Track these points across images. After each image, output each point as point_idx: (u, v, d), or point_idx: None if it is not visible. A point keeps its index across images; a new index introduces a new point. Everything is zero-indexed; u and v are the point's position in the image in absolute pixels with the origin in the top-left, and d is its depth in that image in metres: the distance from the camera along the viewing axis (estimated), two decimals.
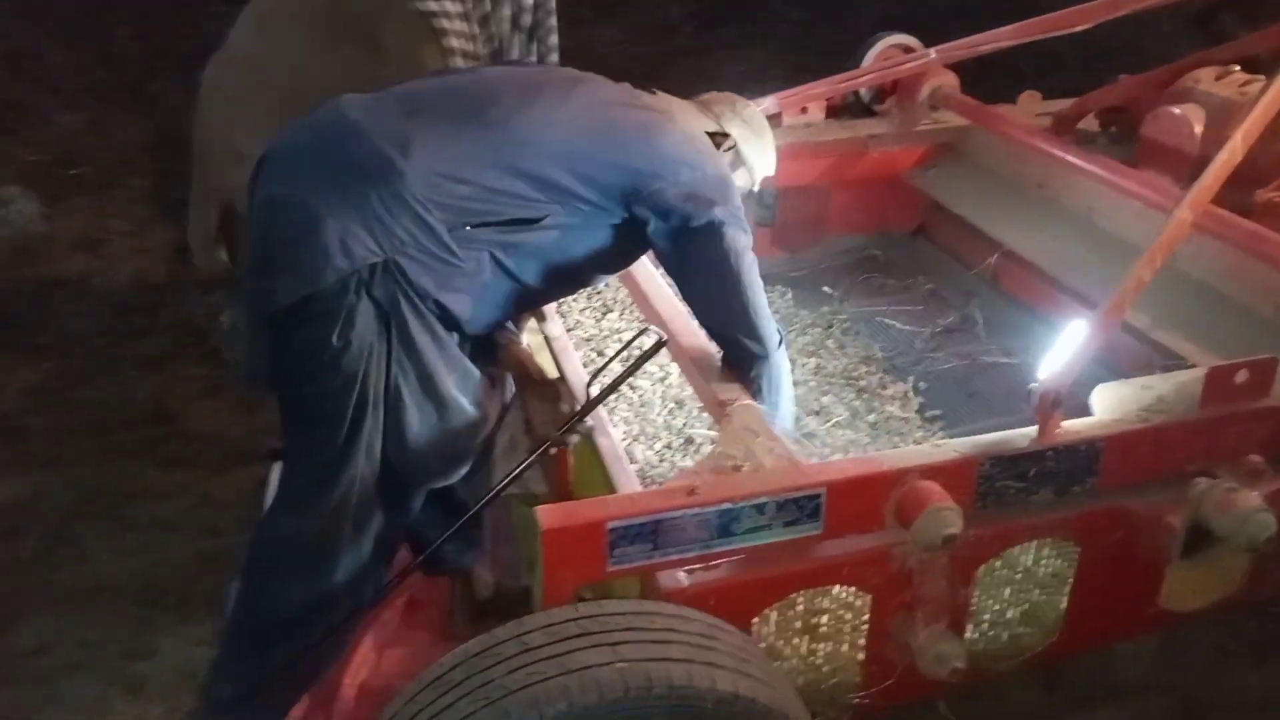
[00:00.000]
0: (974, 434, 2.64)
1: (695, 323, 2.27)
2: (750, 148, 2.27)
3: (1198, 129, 2.72)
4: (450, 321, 1.90)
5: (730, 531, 1.72)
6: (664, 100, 2.20)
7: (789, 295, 3.35)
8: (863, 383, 2.88)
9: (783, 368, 2.16)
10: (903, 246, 3.63)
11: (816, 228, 3.55)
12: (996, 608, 1.99)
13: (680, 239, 1.99)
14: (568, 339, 2.51)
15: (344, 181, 1.79)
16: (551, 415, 2.11)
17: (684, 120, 2.14)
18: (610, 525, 1.65)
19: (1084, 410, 1.98)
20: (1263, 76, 2.77)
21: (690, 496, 1.68)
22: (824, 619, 1.87)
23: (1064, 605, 2.02)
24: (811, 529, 1.76)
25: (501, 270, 1.92)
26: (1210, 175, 2.12)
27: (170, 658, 2.36)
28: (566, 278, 2.07)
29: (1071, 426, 1.88)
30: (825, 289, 3.40)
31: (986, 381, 2.92)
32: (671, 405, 2.65)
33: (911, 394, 2.85)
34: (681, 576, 1.75)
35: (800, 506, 1.74)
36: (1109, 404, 1.95)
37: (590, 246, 2.02)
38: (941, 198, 3.34)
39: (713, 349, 2.17)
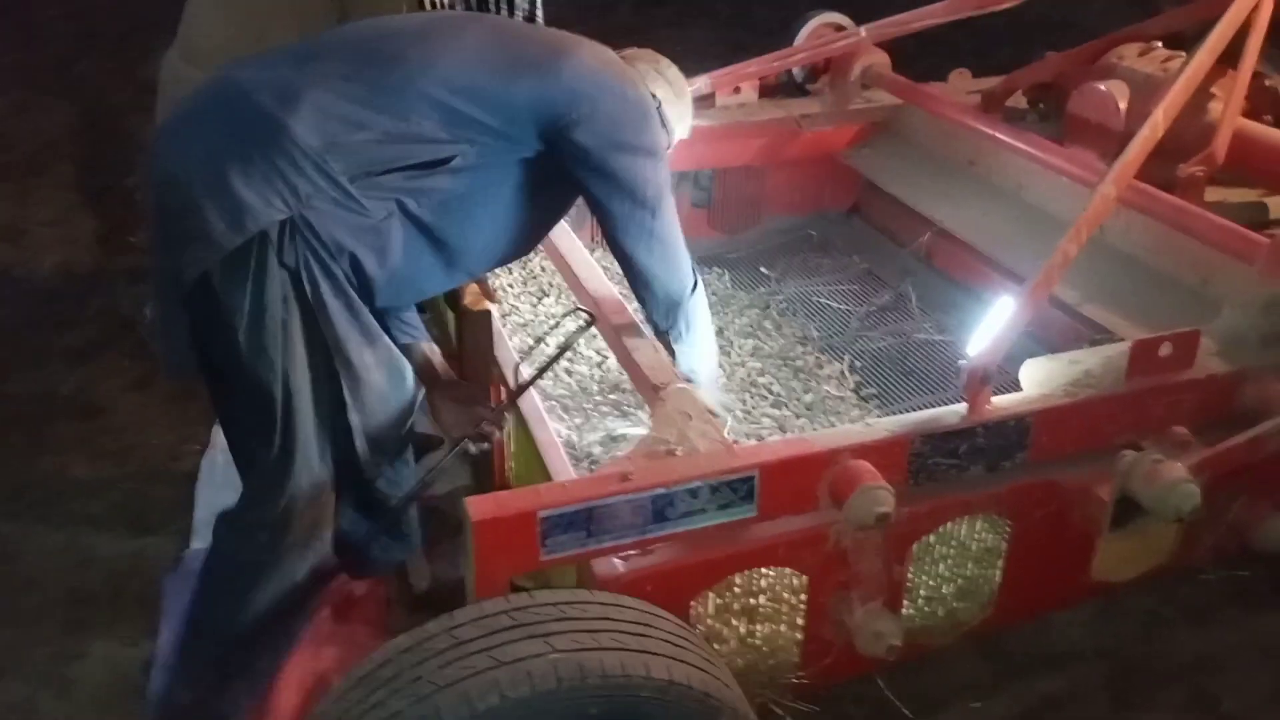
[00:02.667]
0: (909, 411, 2.69)
1: (631, 305, 2.26)
2: (672, 110, 2.20)
3: (1122, 105, 2.75)
4: (366, 288, 1.83)
5: (665, 516, 1.72)
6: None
7: (726, 277, 3.35)
8: (799, 363, 2.89)
9: (700, 311, 2.13)
10: (838, 226, 3.64)
11: (753, 209, 3.55)
12: (932, 583, 2.01)
13: (598, 171, 1.91)
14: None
15: (233, 143, 1.71)
16: (462, 417, 2.06)
17: (597, 49, 2.02)
18: (542, 514, 1.63)
19: (1016, 386, 2.00)
20: (1184, 53, 2.82)
21: (623, 483, 1.67)
22: (762, 600, 1.88)
23: (998, 578, 2.05)
24: (746, 511, 1.76)
25: (413, 222, 1.82)
26: (1133, 150, 2.16)
27: (101, 659, 2.30)
28: (487, 234, 1.96)
29: (1000, 402, 1.90)
30: (762, 270, 3.40)
31: (921, 359, 2.94)
32: (609, 390, 2.64)
33: (847, 373, 2.86)
34: (617, 563, 1.75)
35: (734, 489, 1.74)
36: (1037, 379, 1.97)
37: (508, 192, 1.92)
38: (874, 177, 3.35)
39: (647, 331, 2.16)
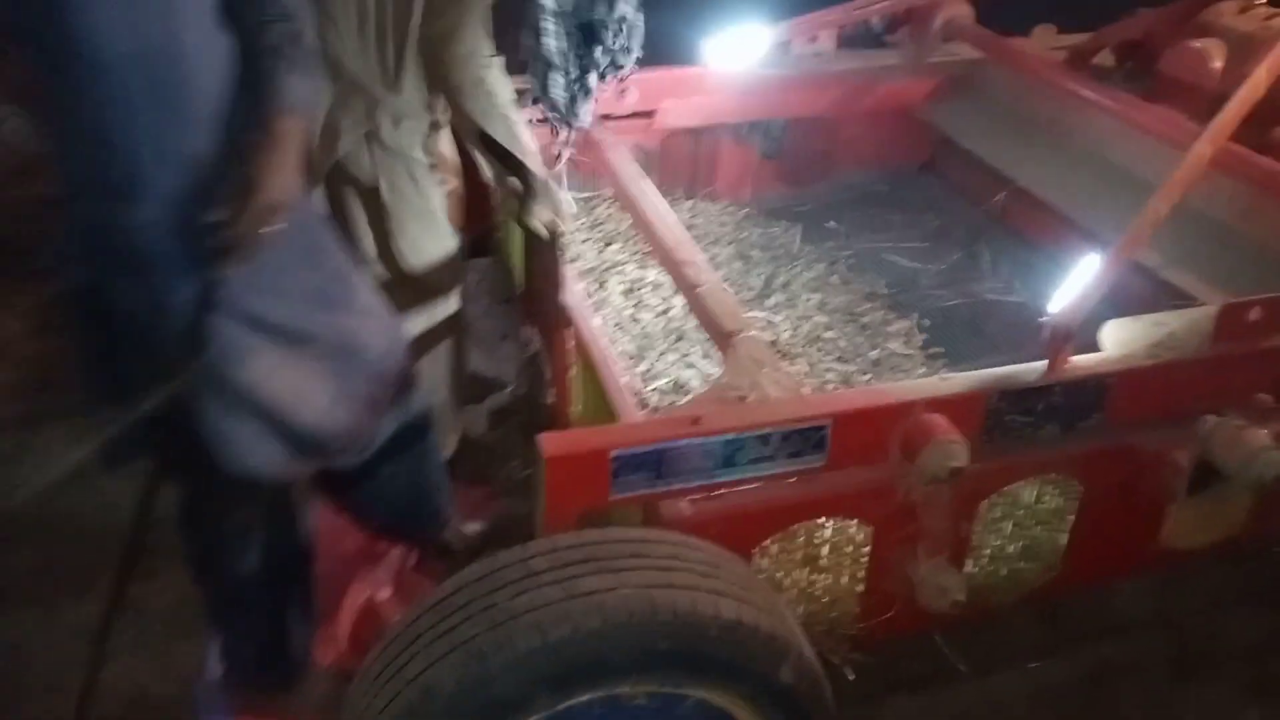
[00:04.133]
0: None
1: (700, 255, 2.24)
2: None
3: (1218, 64, 2.66)
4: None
5: (734, 462, 1.71)
6: None
7: (794, 230, 3.31)
8: (866, 319, 2.86)
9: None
10: (911, 182, 3.58)
11: (824, 162, 3.50)
12: (997, 543, 1.99)
13: None
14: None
15: None
16: None
17: None
18: (614, 454, 1.63)
19: (1092, 349, 1.96)
20: None
21: (694, 426, 1.67)
22: (825, 551, 1.87)
23: (1064, 541, 2.02)
24: (816, 460, 1.75)
25: None
26: (1232, 110, 2.09)
27: (170, 585, 2.34)
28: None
29: (1080, 362, 1.86)
30: (831, 224, 3.35)
31: (991, 319, 2.90)
32: (674, 338, 2.64)
33: (915, 330, 2.83)
34: (684, 506, 1.75)
35: (805, 438, 1.72)
36: (1119, 340, 1.93)
37: None
38: (952, 132, 3.28)
39: (717, 279, 2.14)
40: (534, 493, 1.66)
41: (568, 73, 2.41)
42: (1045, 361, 1.84)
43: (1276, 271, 2.35)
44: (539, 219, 2.26)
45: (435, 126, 2.25)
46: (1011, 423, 1.83)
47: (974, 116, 3.29)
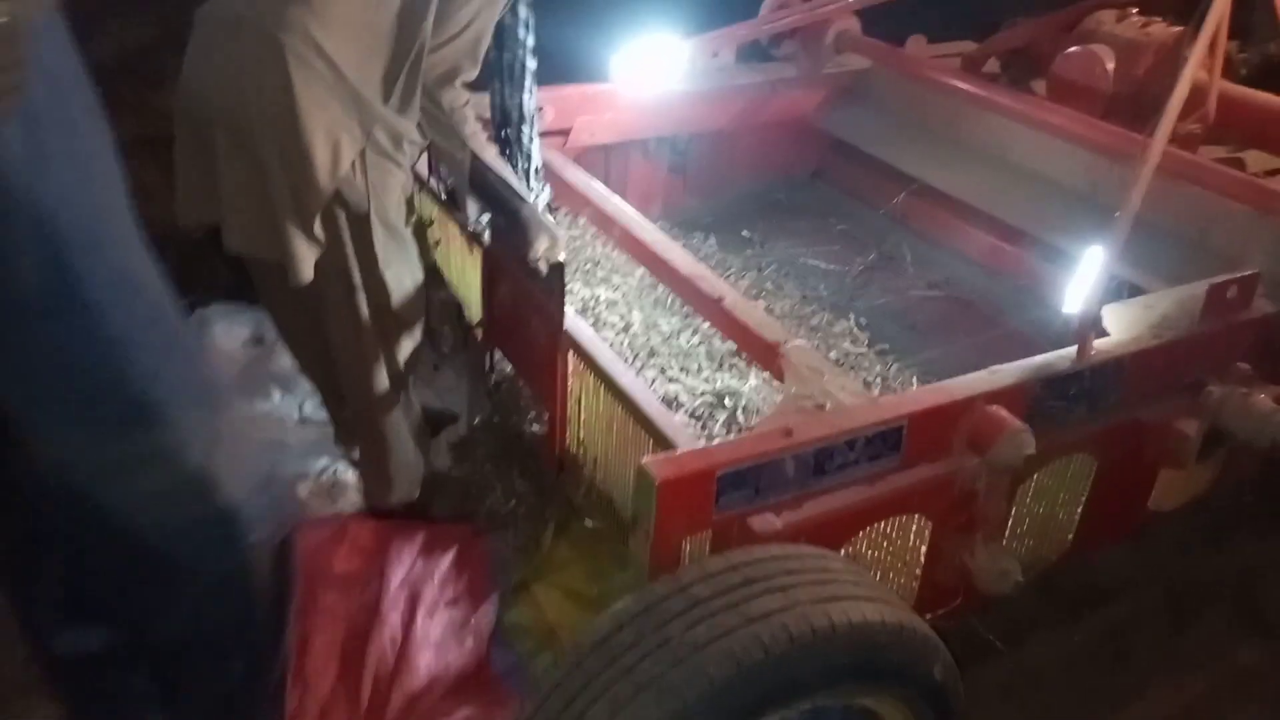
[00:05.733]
0: (926, 364, 2.78)
1: (707, 269, 2.24)
2: None
3: (1110, 67, 2.90)
4: None
5: (823, 470, 1.73)
6: None
7: (711, 240, 3.36)
8: (813, 321, 2.94)
9: None
10: (804, 189, 3.71)
11: (723, 173, 3.58)
12: (1027, 524, 2.10)
13: None
14: None
15: None
16: None
17: None
18: (719, 473, 1.62)
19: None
20: (1158, 19, 3.00)
21: (788, 439, 1.68)
22: (884, 547, 1.92)
23: (1077, 516, 2.16)
24: (892, 461, 1.79)
25: None
26: (1173, 105, 2.27)
27: None
28: None
29: (1102, 346, 1.99)
30: (744, 233, 3.43)
31: (921, 314, 3.05)
32: (646, 353, 2.62)
33: (857, 329, 2.94)
34: (772, 519, 1.75)
35: (885, 440, 1.77)
36: (1120, 324, 2.07)
37: None
38: (852, 139, 3.42)
39: (735, 292, 2.15)
40: (639, 520, 1.62)
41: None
42: (1074, 348, 1.95)
43: (1192, 253, 2.59)
44: (537, 251, 2.20)
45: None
46: (1050, 408, 1.94)
47: (870, 122, 3.44)
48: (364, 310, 2.11)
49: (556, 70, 3.15)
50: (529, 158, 2.49)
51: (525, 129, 2.43)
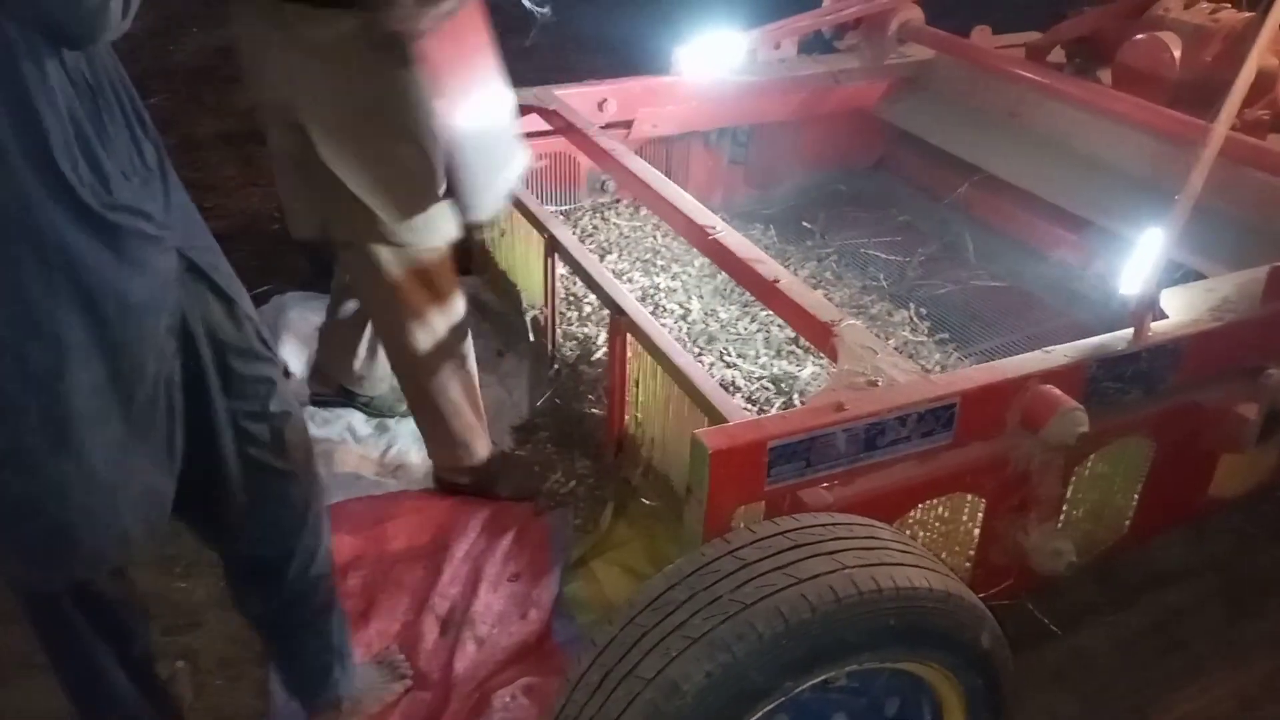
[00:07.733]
0: (986, 353, 2.78)
1: (762, 252, 2.26)
2: None
3: (1176, 54, 2.88)
4: None
5: (875, 445, 1.75)
6: None
7: (771, 231, 3.39)
8: (872, 310, 2.96)
9: None
10: (866, 180, 3.72)
11: (784, 164, 3.60)
12: (1082, 506, 2.10)
13: None
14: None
15: None
16: None
17: None
18: (771, 445, 1.65)
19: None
20: (1228, 4, 2.97)
21: (840, 413, 1.71)
22: (937, 526, 1.94)
23: (1136, 500, 2.15)
24: (944, 438, 1.81)
25: None
26: (1237, 90, 2.26)
27: None
28: None
29: (1159, 328, 1.99)
30: (805, 224, 3.45)
31: (983, 304, 3.05)
32: (704, 339, 2.67)
33: (916, 318, 2.95)
34: (824, 492, 1.78)
35: (937, 417, 1.78)
36: (1179, 306, 2.07)
37: None
38: (914, 129, 3.43)
39: (790, 275, 2.18)
40: (693, 489, 1.66)
41: None
42: (1131, 330, 1.95)
43: (1256, 239, 2.56)
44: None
45: None
46: (1106, 390, 1.94)
47: (932, 113, 3.45)
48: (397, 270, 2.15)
49: (620, 63, 3.22)
50: None
51: None
